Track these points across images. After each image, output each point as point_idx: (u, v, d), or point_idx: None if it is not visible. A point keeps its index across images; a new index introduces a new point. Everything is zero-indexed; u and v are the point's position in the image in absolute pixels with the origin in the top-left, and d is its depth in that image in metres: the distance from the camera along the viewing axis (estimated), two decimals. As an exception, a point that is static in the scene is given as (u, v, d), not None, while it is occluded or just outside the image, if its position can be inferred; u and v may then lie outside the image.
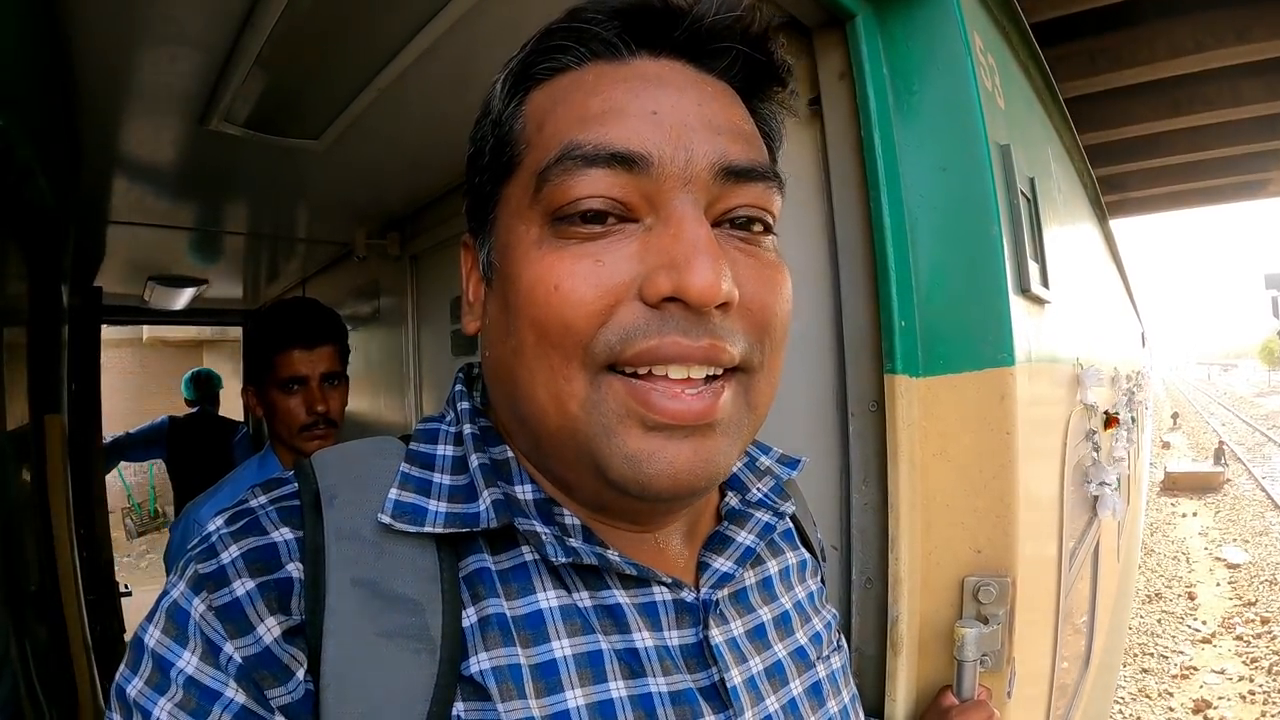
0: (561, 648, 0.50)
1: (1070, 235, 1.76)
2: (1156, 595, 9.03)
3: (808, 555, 0.72)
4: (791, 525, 0.72)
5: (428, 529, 0.50)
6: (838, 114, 1.05)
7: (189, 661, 0.45)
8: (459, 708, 0.47)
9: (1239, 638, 7.58)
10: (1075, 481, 1.56)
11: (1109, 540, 2.45)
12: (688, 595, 0.56)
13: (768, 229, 0.54)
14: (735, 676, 0.55)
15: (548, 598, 0.52)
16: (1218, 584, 9.37)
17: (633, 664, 0.52)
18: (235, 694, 0.45)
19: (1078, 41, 4.46)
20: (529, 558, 0.53)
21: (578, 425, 0.49)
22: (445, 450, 0.57)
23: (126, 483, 9.74)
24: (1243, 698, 6.32)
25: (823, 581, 0.74)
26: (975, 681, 0.94)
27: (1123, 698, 6.40)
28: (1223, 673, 6.84)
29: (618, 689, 0.50)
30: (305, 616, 0.47)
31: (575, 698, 0.49)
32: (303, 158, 1.78)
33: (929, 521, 1.00)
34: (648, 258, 0.48)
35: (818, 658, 0.64)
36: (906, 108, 1.01)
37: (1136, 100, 5.27)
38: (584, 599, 0.52)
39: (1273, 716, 6.00)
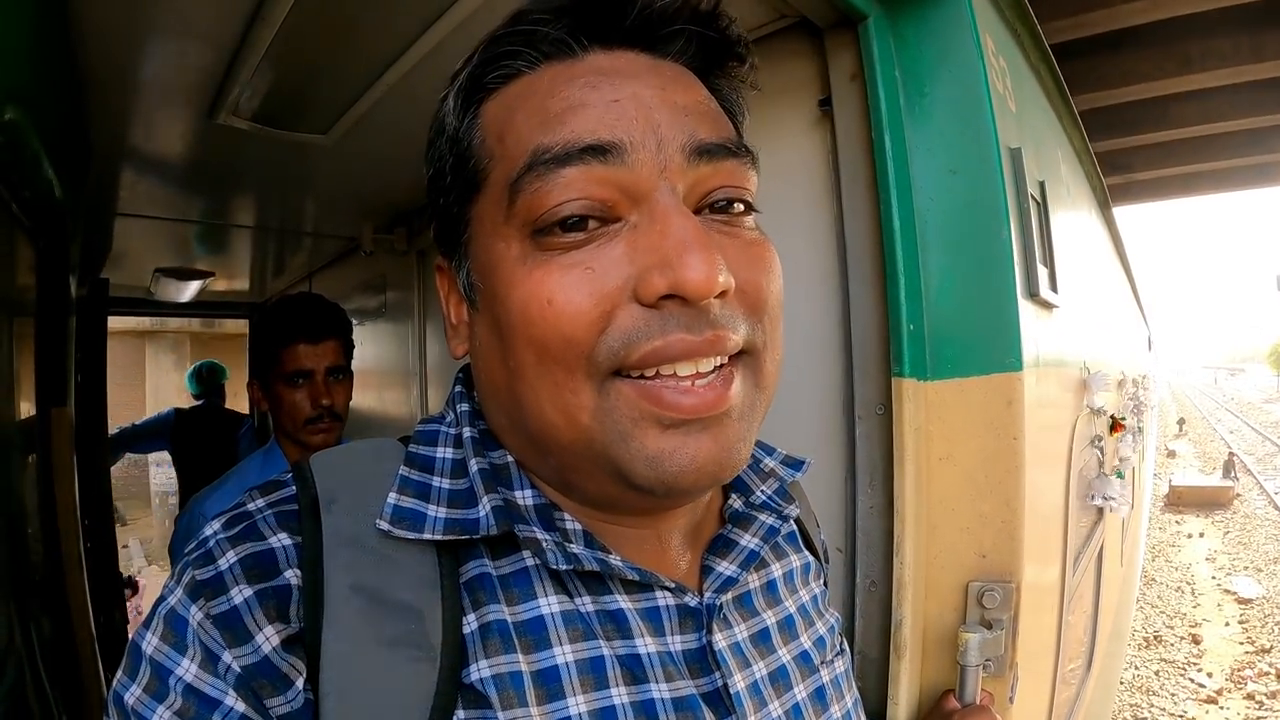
0: (563, 653, 0.50)
1: (1079, 238, 1.76)
2: (1156, 638, 7.68)
3: (811, 558, 0.71)
4: (795, 528, 0.72)
5: (427, 536, 0.50)
6: (848, 115, 1.05)
7: (188, 669, 0.45)
8: (460, 715, 0.47)
9: (1250, 696, 6.26)
10: (1080, 486, 1.56)
11: (1113, 543, 2.45)
12: (691, 600, 0.55)
13: (749, 208, 0.53)
14: (738, 682, 0.54)
15: (549, 603, 0.51)
16: (1226, 623, 8.02)
17: (635, 669, 0.51)
18: (235, 703, 0.45)
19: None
20: (530, 562, 0.52)
21: (593, 436, 0.48)
22: (445, 453, 0.56)
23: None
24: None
25: (826, 585, 0.73)
26: (978, 686, 0.94)
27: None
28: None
29: (620, 695, 0.50)
30: (304, 624, 0.46)
31: (577, 704, 0.48)
32: (311, 152, 1.78)
33: (934, 525, 1.00)
34: (638, 257, 0.47)
35: (821, 662, 0.63)
36: (917, 110, 1.01)
37: (1140, 54, 4.57)
38: (586, 604, 0.52)
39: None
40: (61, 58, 1.18)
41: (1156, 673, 6.89)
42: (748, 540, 0.61)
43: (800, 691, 0.60)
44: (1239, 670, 6.79)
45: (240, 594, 0.46)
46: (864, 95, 1.03)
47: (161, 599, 0.48)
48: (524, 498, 0.54)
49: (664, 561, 0.57)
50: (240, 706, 0.45)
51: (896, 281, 0.99)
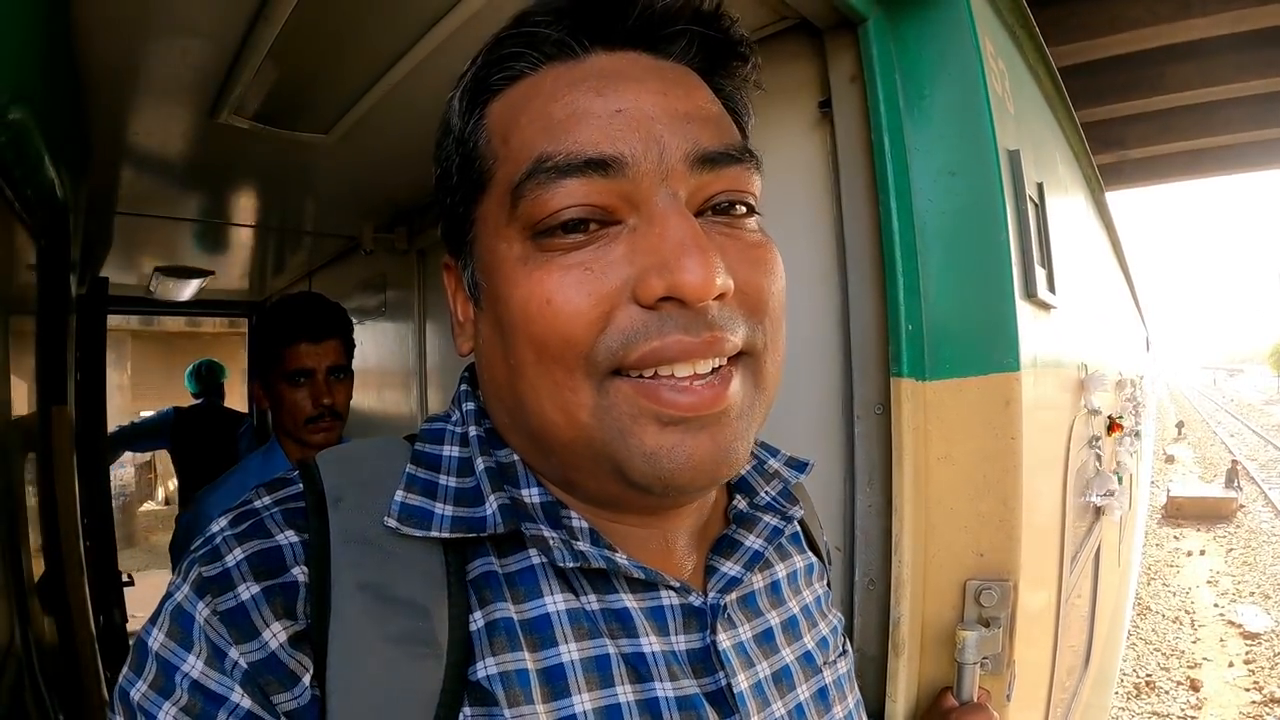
0: (569, 652, 0.50)
1: (1077, 239, 1.76)
2: (1149, 684, 6.47)
3: (815, 559, 0.71)
4: (799, 529, 0.72)
5: (434, 533, 0.50)
6: (848, 117, 1.06)
7: (194, 666, 0.45)
8: (466, 713, 0.47)
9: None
10: (1077, 485, 1.56)
11: (1110, 543, 2.46)
12: (695, 599, 0.55)
13: (750, 210, 0.53)
14: (742, 682, 0.54)
15: (555, 601, 0.51)
16: (1230, 663, 6.85)
17: (640, 668, 0.51)
18: (241, 699, 0.45)
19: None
20: (536, 561, 0.52)
21: (591, 433, 0.49)
22: (451, 451, 0.56)
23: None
24: None
25: (829, 586, 0.74)
26: (975, 684, 0.95)
27: None
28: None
29: (625, 694, 0.50)
30: (311, 621, 0.46)
31: (582, 702, 0.48)
32: (311, 152, 1.78)
33: (932, 524, 1.01)
34: (637, 259, 0.47)
35: (824, 663, 0.63)
36: (917, 112, 1.01)
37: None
38: (591, 602, 0.52)
39: None
40: (65, 56, 1.19)
41: (1148, 729, 5.73)
42: (752, 541, 0.61)
43: (803, 692, 0.60)
44: (1245, 727, 5.58)
45: (247, 590, 0.46)
46: (864, 97, 1.03)
47: (168, 595, 0.48)
48: (530, 495, 0.54)
49: (669, 561, 0.58)
50: (247, 703, 0.45)
51: (895, 282, 1.00)
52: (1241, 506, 12.92)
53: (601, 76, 0.50)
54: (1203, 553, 10.60)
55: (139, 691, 0.46)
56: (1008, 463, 0.97)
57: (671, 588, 0.54)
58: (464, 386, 0.61)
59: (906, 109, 1.02)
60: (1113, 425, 1.87)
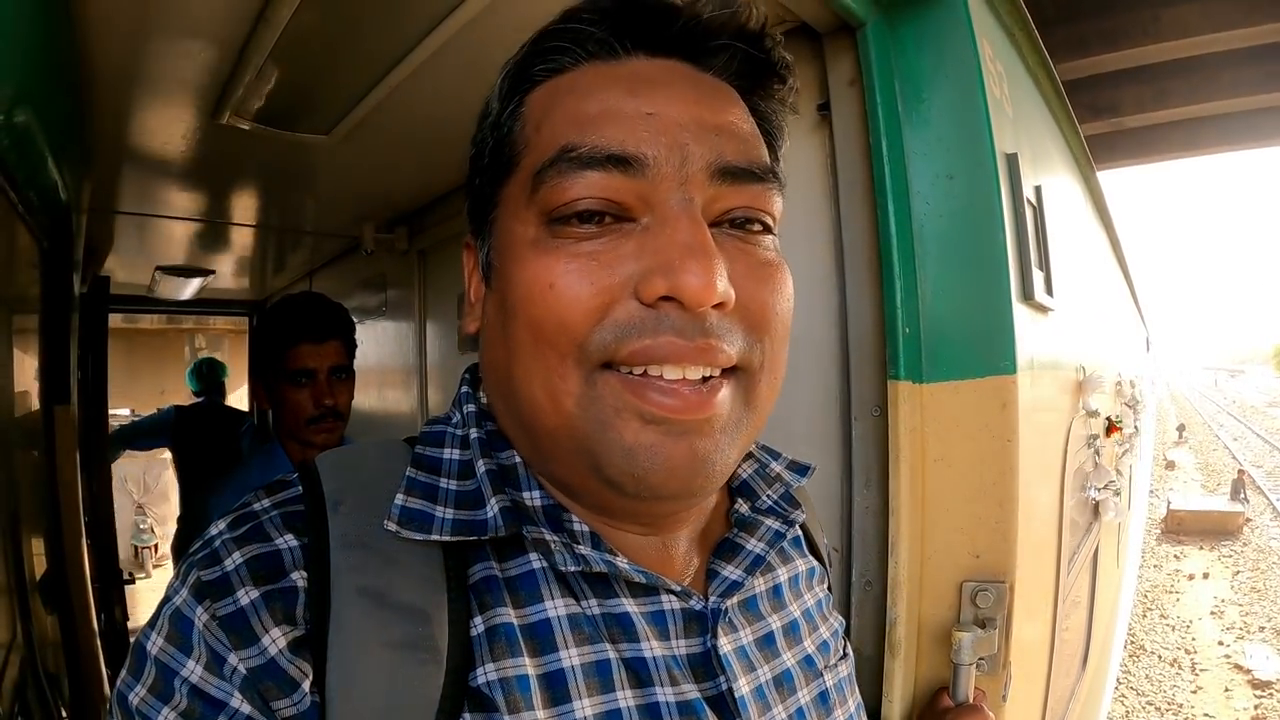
0: (569, 657, 0.49)
1: (1076, 241, 1.77)
2: None
3: (816, 563, 0.71)
4: (800, 532, 0.72)
5: (435, 537, 0.50)
6: (846, 120, 1.06)
7: (193, 670, 0.45)
8: (466, 718, 0.47)
9: None
10: (1075, 487, 1.57)
11: (1109, 545, 2.46)
12: (696, 604, 0.55)
13: (767, 229, 0.53)
14: (743, 686, 0.54)
15: (555, 606, 0.51)
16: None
17: (641, 673, 0.51)
18: (240, 704, 0.44)
19: None
20: (537, 565, 0.52)
21: (574, 422, 0.49)
22: (452, 454, 0.56)
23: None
24: None
25: (830, 589, 0.74)
26: (971, 684, 0.95)
27: None
28: None
29: (625, 698, 0.50)
30: (310, 627, 0.46)
31: (583, 708, 0.48)
32: (313, 152, 1.79)
33: (929, 526, 1.01)
34: (644, 257, 0.48)
35: (825, 666, 0.63)
36: (915, 115, 1.02)
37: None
38: (592, 607, 0.52)
39: None
40: (67, 58, 1.19)
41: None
42: (753, 545, 0.61)
43: (804, 696, 0.60)
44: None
45: (247, 595, 0.46)
46: (862, 100, 1.04)
47: (166, 599, 0.48)
48: (532, 499, 0.54)
49: (670, 565, 0.57)
50: (246, 709, 0.44)
51: (893, 285, 1.00)
52: (1248, 520, 11.90)
53: (638, 79, 0.51)
54: (1206, 576, 9.64)
55: (137, 696, 0.46)
56: (1004, 465, 0.97)
57: (672, 592, 0.54)
58: (464, 388, 0.61)
59: (905, 112, 1.02)
60: (1111, 427, 1.87)
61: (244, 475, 1.67)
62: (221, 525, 0.50)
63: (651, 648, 0.52)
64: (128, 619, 2.83)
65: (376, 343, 2.89)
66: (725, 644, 0.55)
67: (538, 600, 0.51)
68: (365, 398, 2.78)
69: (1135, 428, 2.52)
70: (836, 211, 1.08)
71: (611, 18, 0.52)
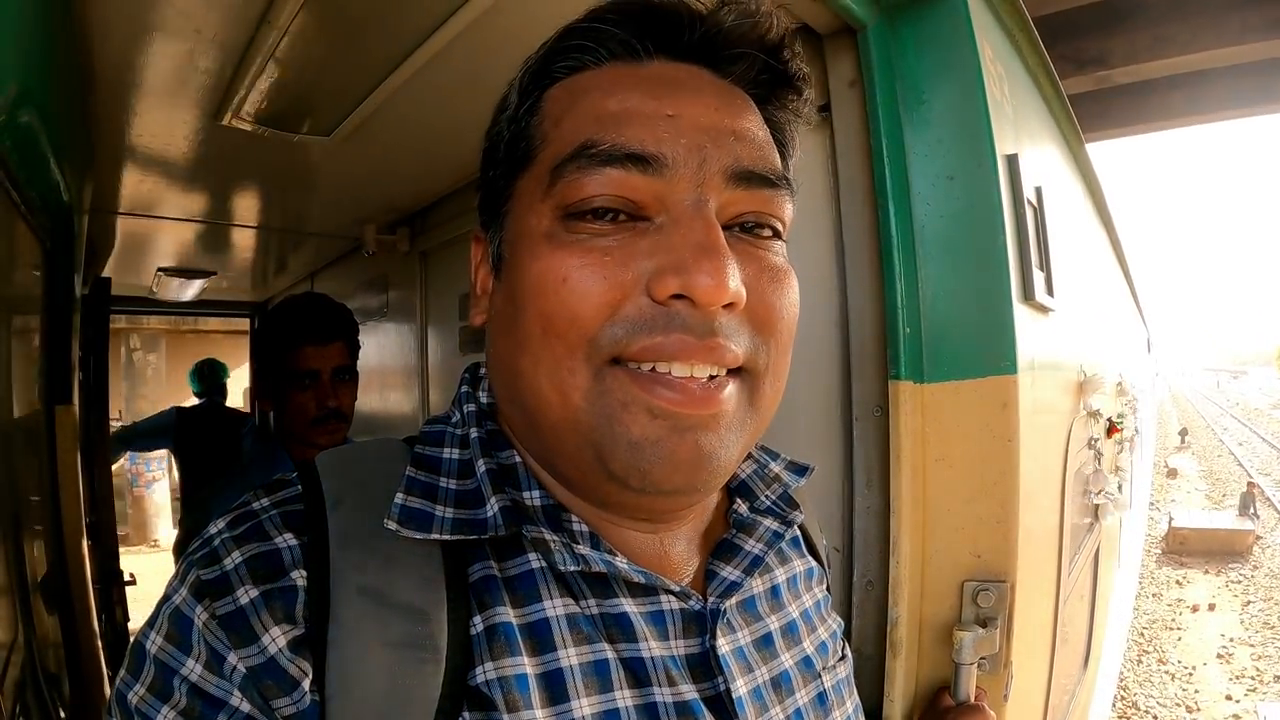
0: (568, 656, 0.50)
1: (1077, 241, 1.77)
2: None
3: (815, 564, 0.71)
4: (799, 533, 0.72)
5: (435, 536, 0.50)
6: (847, 121, 1.06)
7: (192, 669, 0.45)
8: (465, 717, 0.47)
9: None
10: (1076, 488, 1.57)
11: (1109, 545, 2.46)
12: (695, 604, 0.55)
13: (777, 234, 0.54)
14: (740, 687, 0.54)
15: (554, 606, 0.51)
16: None
17: (639, 673, 0.51)
18: (240, 703, 0.45)
19: None
20: (536, 565, 0.52)
21: (580, 416, 0.49)
22: (451, 454, 0.56)
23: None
24: None
25: (829, 590, 0.74)
26: (973, 684, 0.95)
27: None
28: None
29: (623, 698, 0.50)
30: (310, 626, 0.46)
31: (581, 707, 0.49)
32: (314, 154, 1.79)
33: (930, 526, 1.01)
34: (657, 255, 0.48)
35: (823, 667, 0.63)
36: (916, 116, 1.02)
37: None
38: (591, 607, 0.52)
39: None
40: (70, 59, 1.20)
41: None
42: (752, 545, 0.61)
43: (802, 697, 0.60)
44: None
45: (246, 595, 0.46)
46: (863, 102, 1.04)
47: (166, 598, 0.48)
48: (532, 498, 0.54)
49: (669, 565, 0.58)
50: (246, 707, 0.45)
51: (894, 285, 1.00)
52: (1259, 539, 10.47)
53: (660, 81, 0.52)
54: (1212, 607, 8.16)
55: (136, 695, 0.46)
56: (1005, 465, 0.98)
57: (671, 592, 0.54)
58: (464, 388, 0.61)
59: (905, 113, 1.02)
60: (1111, 428, 1.87)
61: (245, 476, 1.67)
62: (221, 524, 0.51)
63: (650, 648, 0.52)
64: (128, 620, 2.83)
65: (378, 344, 2.89)
66: (723, 645, 0.55)
67: (537, 600, 0.51)
68: (367, 399, 2.79)
69: (1136, 430, 2.52)
70: (837, 212, 1.08)
71: (636, 20, 0.53)
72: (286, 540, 0.49)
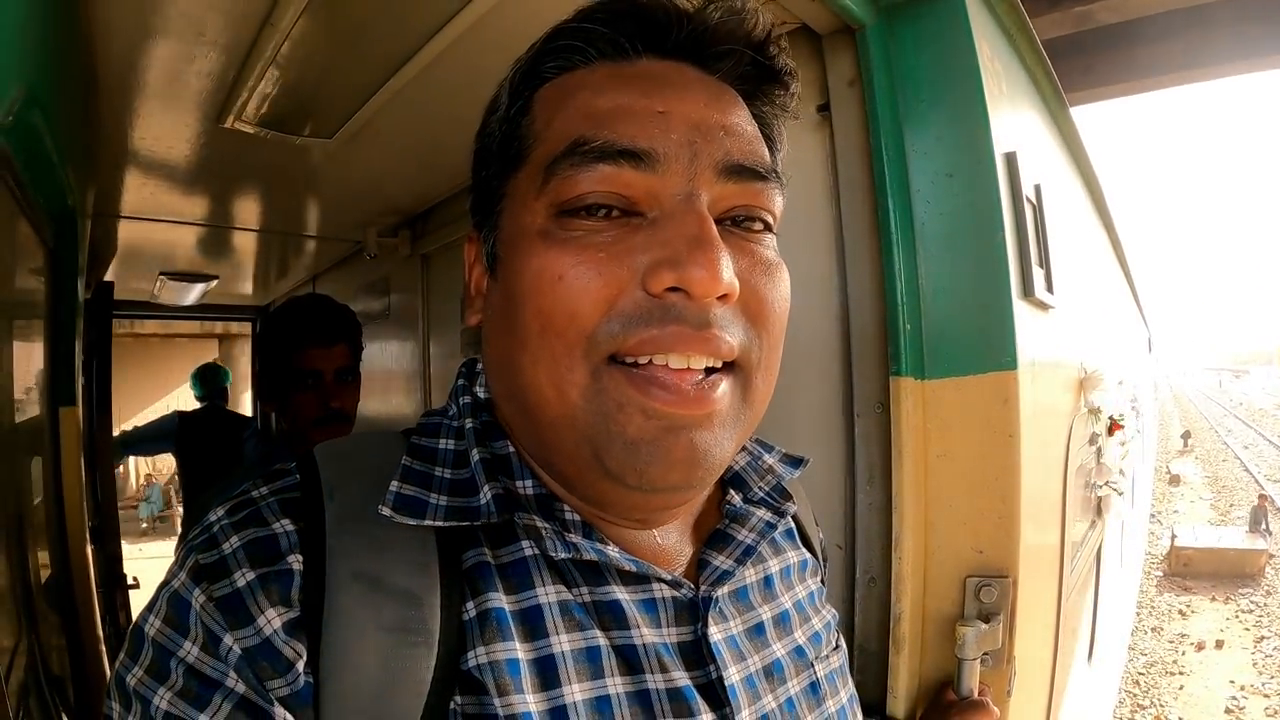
0: (560, 643, 0.50)
1: (1076, 239, 1.77)
2: None
3: (808, 555, 0.72)
4: (793, 525, 0.73)
5: (428, 522, 0.51)
6: (847, 120, 1.07)
7: (189, 651, 0.46)
8: (457, 701, 0.47)
9: None
10: (1078, 484, 1.57)
11: (1112, 541, 2.46)
12: (686, 592, 0.56)
13: (768, 228, 0.55)
14: (733, 675, 0.55)
15: (547, 592, 0.52)
16: None
17: (631, 660, 0.52)
18: (235, 684, 0.45)
19: None
20: (529, 553, 0.53)
21: (577, 413, 0.50)
22: (446, 444, 0.57)
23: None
24: None
25: (823, 582, 0.74)
26: (976, 679, 0.96)
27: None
28: None
29: (615, 685, 0.51)
30: (305, 609, 0.47)
31: (573, 693, 0.49)
32: (316, 156, 1.80)
33: (932, 521, 1.02)
34: (652, 249, 0.49)
35: (816, 657, 0.64)
36: (915, 115, 1.03)
37: None
38: (583, 594, 0.53)
39: None
40: (73, 62, 1.20)
41: None
42: (744, 535, 0.62)
43: (794, 686, 0.60)
44: None
45: (243, 577, 0.47)
46: (862, 100, 1.05)
47: (165, 583, 0.49)
48: (525, 487, 0.55)
49: (661, 554, 0.58)
50: (240, 688, 0.45)
51: (894, 282, 1.01)
52: (1272, 558, 9.08)
53: (649, 79, 0.53)
54: (1220, 645, 6.96)
55: (134, 677, 0.47)
56: (1006, 460, 0.98)
57: (663, 580, 0.55)
58: (461, 381, 0.62)
59: (905, 112, 1.03)
60: (1113, 425, 1.87)
61: (247, 479, 1.66)
62: (220, 512, 0.52)
63: (642, 635, 0.53)
64: (132, 623, 2.83)
65: (380, 346, 2.89)
66: (715, 633, 0.56)
67: (529, 586, 0.52)
68: (369, 400, 2.79)
69: (1138, 430, 2.52)
70: (838, 210, 1.09)
71: (624, 20, 0.54)
72: (284, 526, 0.50)
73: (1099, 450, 1.72)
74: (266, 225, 2.62)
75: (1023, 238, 1.07)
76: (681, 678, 0.53)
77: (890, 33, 1.04)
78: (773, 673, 0.59)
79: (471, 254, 0.62)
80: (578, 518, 0.55)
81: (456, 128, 1.64)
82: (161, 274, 3.20)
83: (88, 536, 1.84)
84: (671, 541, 0.60)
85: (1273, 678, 5.97)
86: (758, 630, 0.60)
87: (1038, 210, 1.17)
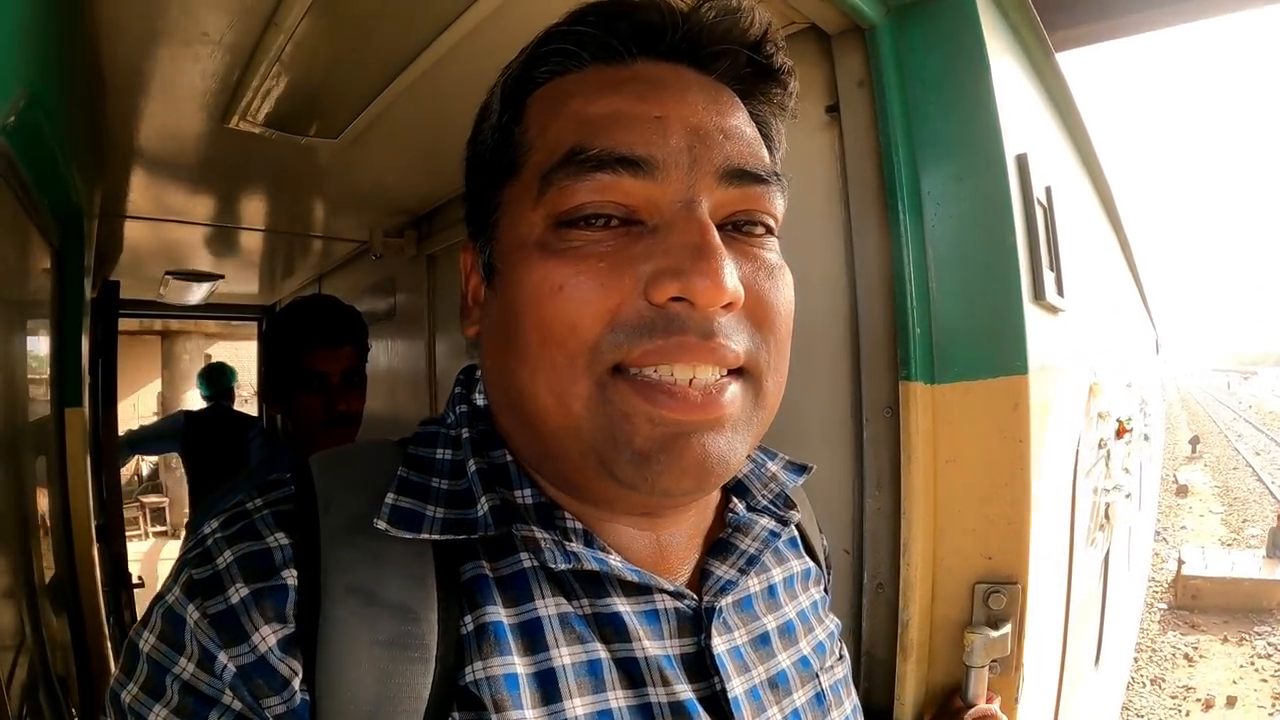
0: (560, 656, 0.49)
1: (1086, 242, 1.76)
2: None
3: (812, 564, 0.71)
4: (797, 533, 0.72)
5: (424, 535, 0.50)
6: (856, 121, 1.06)
7: (185, 668, 0.45)
8: (455, 717, 0.47)
9: None
10: (1086, 489, 1.56)
11: (1120, 547, 2.45)
12: (689, 603, 0.55)
13: (769, 231, 0.54)
14: (736, 687, 0.54)
15: (546, 605, 0.51)
16: None
17: (633, 673, 0.51)
18: (231, 702, 0.45)
19: None
20: (527, 565, 0.52)
21: (581, 424, 0.49)
22: (444, 454, 0.56)
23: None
24: None
25: (827, 591, 0.73)
26: (984, 686, 0.95)
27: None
28: None
29: (617, 699, 0.50)
30: (301, 625, 0.46)
31: (574, 707, 0.48)
32: (321, 156, 1.80)
33: (941, 527, 1.01)
34: (654, 259, 0.48)
35: (821, 668, 0.63)
36: (924, 116, 1.02)
37: None
38: (584, 606, 0.52)
39: None
40: (79, 63, 1.20)
41: None
42: (747, 544, 0.60)
43: (800, 697, 0.60)
44: None
45: (237, 594, 0.46)
46: (871, 101, 1.04)
47: (159, 597, 0.49)
48: (523, 496, 0.54)
49: (663, 564, 0.57)
50: (237, 706, 0.45)
51: (904, 285, 1.00)
52: None
53: (645, 82, 0.52)
54: (1231, 702, 5.69)
55: (129, 693, 0.46)
56: (1016, 466, 0.97)
57: (665, 591, 0.54)
58: (459, 389, 0.61)
59: (915, 113, 1.02)
60: (1121, 429, 1.86)
61: (253, 480, 1.67)
62: (214, 524, 0.51)
63: (644, 648, 0.52)
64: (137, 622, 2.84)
65: (386, 347, 2.89)
66: (719, 644, 0.55)
67: (529, 600, 0.51)
68: (375, 401, 2.78)
69: (1145, 435, 2.50)
70: (847, 212, 1.08)
71: (616, 22, 0.52)
72: (278, 540, 0.49)
73: (1107, 454, 1.71)
74: (272, 225, 2.63)
75: (1034, 240, 1.06)
76: (684, 690, 0.52)
77: (900, 33, 1.03)
78: (778, 684, 0.58)
79: (468, 263, 0.61)
80: (579, 525, 0.53)
81: (463, 128, 1.62)
82: (167, 273, 3.21)
83: (94, 535, 1.84)
84: (675, 549, 0.59)
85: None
86: (762, 641, 0.59)
87: (1049, 212, 1.16)
